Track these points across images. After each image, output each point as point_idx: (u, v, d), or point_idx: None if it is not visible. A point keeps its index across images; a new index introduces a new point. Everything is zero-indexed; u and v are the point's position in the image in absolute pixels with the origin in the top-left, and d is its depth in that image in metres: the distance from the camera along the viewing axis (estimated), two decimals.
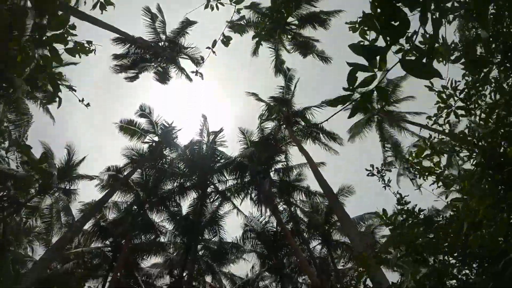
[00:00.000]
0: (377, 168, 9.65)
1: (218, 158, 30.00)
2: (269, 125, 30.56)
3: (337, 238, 31.35)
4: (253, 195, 29.62)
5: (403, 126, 30.23)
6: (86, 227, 30.06)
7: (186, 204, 30.63)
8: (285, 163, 30.13)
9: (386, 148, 31.29)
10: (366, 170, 9.79)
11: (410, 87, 31.24)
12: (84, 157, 30.81)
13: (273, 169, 30.11)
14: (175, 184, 30.21)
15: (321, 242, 30.79)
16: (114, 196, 29.96)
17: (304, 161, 28.80)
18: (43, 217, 29.15)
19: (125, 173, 28.89)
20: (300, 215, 31.03)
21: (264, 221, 30.82)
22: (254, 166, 28.05)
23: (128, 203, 30.63)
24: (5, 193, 25.73)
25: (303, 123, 29.79)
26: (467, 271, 6.48)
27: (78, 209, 28.34)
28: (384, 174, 10.04)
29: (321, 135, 29.42)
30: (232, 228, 51.59)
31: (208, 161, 29.58)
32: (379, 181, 10.23)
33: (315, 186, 30.13)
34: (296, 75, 30.23)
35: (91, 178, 30.44)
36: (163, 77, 28.74)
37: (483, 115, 9.55)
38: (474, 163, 8.17)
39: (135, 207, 30.07)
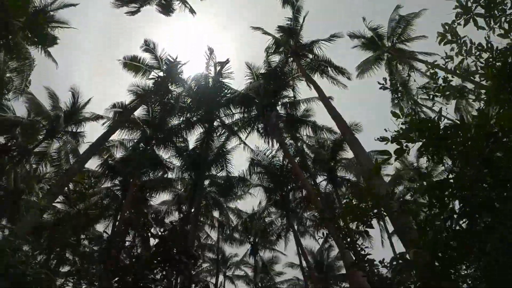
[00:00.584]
0: (389, 80, 9.37)
1: (225, 91, 29.55)
2: (276, 58, 29.79)
3: (342, 175, 31.57)
4: (259, 127, 29.51)
5: (413, 66, 29.43)
6: (94, 167, 30.46)
7: (192, 139, 30.68)
8: (293, 97, 29.69)
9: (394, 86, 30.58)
10: (379, 83, 9.52)
11: (422, 27, 30.13)
12: (90, 99, 30.48)
13: (280, 103, 29.75)
14: (181, 119, 30.03)
15: (327, 178, 30.97)
16: (121, 134, 30.13)
17: (312, 95, 28.59)
18: (52, 161, 29.33)
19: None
20: (306, 150, 30.99)
21: (270, 155, 30.98)
22: (261, 99, 27.70)
23: (135, 140, 30.62)
24: (13, 142, 25.73)
25: (311, 56, 29.05)
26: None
27: None
28: (396, 88, 9.79)
29: (329, 68, 28.76)
30: (238, 164, 52.15)
31: (214, 94, 29.17)
32: (392, 94, 9.99)
33: (321, 122, 30.17)
34: (304, 7, 29.05)
35: (97, 117, 30.21)
36: (166, 9, 27.81)
37: (501, 31, 9.12)
38: (492, 73, 7.83)
39: (142, 144, 30.05)
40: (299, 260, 33.53)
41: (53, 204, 27.12)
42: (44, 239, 28.52)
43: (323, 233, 22.55)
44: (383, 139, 5.67)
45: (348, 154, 30.95)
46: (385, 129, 5.94)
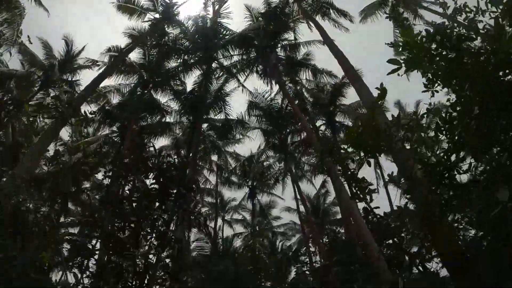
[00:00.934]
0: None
1: (223, 32, 28.80)
2: None
3: (340, 120, 31.46)
4: (259, 69, 29.15)
5: (419, 14, 28.41)
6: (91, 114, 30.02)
7: (190, 82, 30.28)
8: (293, 40, 28.91)
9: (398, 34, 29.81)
10: (386, 13, 9.22)
11: None
12: (84, 47, 29.67)
13: (279, 45, 29.10)
14: (179, 61, 29.49)
15: (326, 122, 30.85)
16: (117, 80, 29.75)
17: (313, 38, 27.98)
18: (49, 112, 28.95)
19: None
20: (305, 94, 30.71)
21: (269, 97, 30.86)
22: (260, 40, 27.09)
23: (132, 85, 30.18)
24: (9, 96, 25.37)
25: None
26: None
27: None
28: (403, 20, 9.42)
29: (331, 10, 27.88)
30: (236, 105, 52.10)
31: (212, 36, 28.42)
32: (396, 28, 9.65)
33: (322, 66, 29.73)
34: None
35: (92, 62, 29.53)
36: None
37: None
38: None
39: (139, 88, 29.65)
40: (296, 204, 34.12)
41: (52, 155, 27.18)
42: (45, 191, 28.65)
43: (323, 169, 22.45)
44: (393, 44, 5.45)
45: (347, 100, 30.87)
46: (393, 42, 5.70)
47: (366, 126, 8.12)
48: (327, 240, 25.94)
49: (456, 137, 5.98)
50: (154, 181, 11.16)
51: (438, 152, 6.26)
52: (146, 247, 10.54)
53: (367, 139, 7.76)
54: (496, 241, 6.17)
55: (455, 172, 5.98)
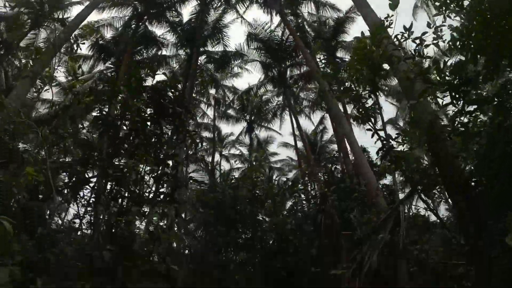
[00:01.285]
0: None
1: None
2: None
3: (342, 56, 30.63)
4: None
5: None
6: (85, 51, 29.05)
7: (187, 12, 29.29)
8: None
9: None
10: None
11: None
12: None
13: None
14: None
15: (326, 57, 30.02)
16: (110, 13, 28.46)
17: None
18: (42, 53, 27.94)
19: None
20: (307, 28, 29.71)
21: (269, 29, 29.86)
22: None
23: (126, 18, 28.99)
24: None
25: None
26: None
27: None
28: None
29: None
30: (235, 40, 50.54)
31: None
32: None
33: None
34: None
35: None
36: None
37: None
38: None
39: (134, 21, 28.55)
40: (293, 140, 34.04)
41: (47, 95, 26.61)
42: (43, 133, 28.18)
43: (322, 98, 21.99)
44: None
45: (349, 36, 29.93)
46: None
47: (373, 43, 7.72)
48: (324, 174, 26.06)
49: (473, 50, 5.58)
50: (147, 100, 10.77)
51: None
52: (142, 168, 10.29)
53: (373, 58, 7.38)
54: (501, 179, 5.96)
55: (470, 88, 5.64)
